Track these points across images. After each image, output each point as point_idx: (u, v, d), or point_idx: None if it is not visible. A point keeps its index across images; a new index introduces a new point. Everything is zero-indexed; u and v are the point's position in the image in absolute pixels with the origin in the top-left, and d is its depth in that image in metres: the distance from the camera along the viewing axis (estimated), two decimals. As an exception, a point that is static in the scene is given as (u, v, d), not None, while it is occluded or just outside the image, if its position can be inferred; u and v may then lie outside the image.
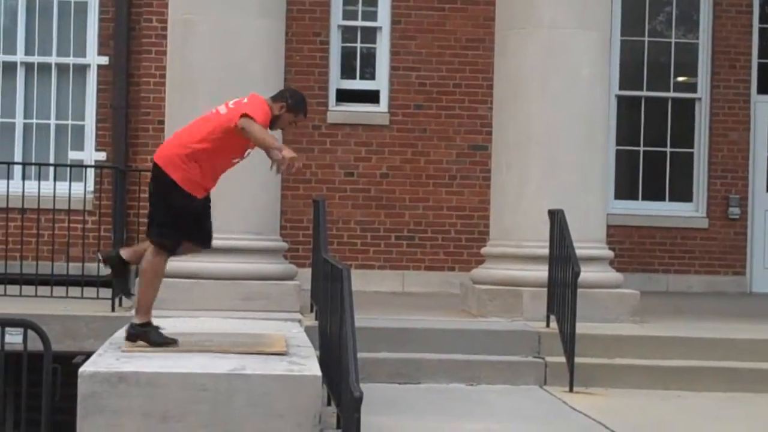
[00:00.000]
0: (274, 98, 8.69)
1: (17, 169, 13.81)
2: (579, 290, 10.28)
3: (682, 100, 16.55)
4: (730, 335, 11.20)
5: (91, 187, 14.40)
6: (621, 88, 16.33)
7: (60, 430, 9.26)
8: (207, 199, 8.64)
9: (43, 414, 8.72)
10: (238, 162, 8.67)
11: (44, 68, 15.07)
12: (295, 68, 14.95)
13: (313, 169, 15.36)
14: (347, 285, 7.67)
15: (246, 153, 8.60)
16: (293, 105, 8.64)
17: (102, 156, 14.88)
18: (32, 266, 11.90)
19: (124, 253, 8.75)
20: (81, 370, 7.51)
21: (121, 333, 9.41)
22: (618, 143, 16.27)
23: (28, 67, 15.10)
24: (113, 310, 11.20)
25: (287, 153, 8.10)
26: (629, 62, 16.39)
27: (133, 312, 10.87)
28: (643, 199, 16.45)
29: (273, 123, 8.63)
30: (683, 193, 16.53)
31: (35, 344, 8.90)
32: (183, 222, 8.49)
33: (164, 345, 8.47)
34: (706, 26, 16.44)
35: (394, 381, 10.24)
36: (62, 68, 15.09)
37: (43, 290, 11.59)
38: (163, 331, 8.59)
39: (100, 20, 15.04)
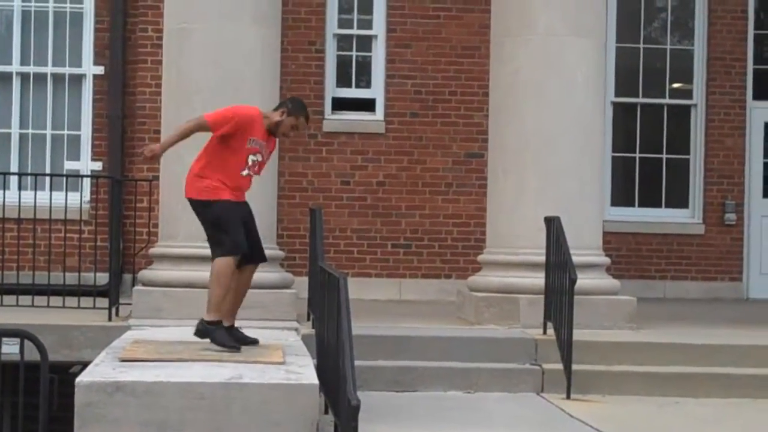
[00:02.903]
0: (276, 108, 9.29)
1: (13, 180, 13.80)
2: (576, 297, 10.28)
3: (678, 107, 16.56)
4: (728, 341, 11.20)
5: (87, 196, 14.42)
6: (617, 94, 16.34)
7: (57, 440, 9.25)
8: (238, 208, 8.97)
9: (41, 424, 8.71)
10: (255, 162, 9.03)
11: (40, 78, 15.06)
12: (290, 77, 14.95)
13: (309, 178, 15.36)
14: (344, 293, 7.68)
15: (254, 149, 8.98)
16: (293, 108, 9.12)
17: (98, 166, 14.86)
18: (29, 276, 11.89)
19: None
20: (78, 379, 7.52)
21: (118, 342, 9.41)
22: (614, 150, 16.28)
23: (24, 77, 15.09)
24: (110, 319, 11.20)
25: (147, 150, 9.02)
26: (625, 69, 16.40)
27: (129, 322, 10.93)
28: (640, 205, 16.45)
29: (275, 129, 9.14)
30: (679, 200, 16.54)
31: (32, 354, 8.90)
32: (221, 224, 8.87)
33: (226, 348, 8.70)
34: (701, 33, 16.45)
35: (391, 389, 10.22)
36: (58, 78, 15.08)
37: (40, 300, 11.58)
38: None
39: (96, 30, 15.02)
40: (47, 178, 12.79)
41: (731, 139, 16.41)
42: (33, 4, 15.08)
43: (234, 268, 8.89)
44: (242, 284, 9.10)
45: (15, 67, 15.07)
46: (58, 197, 12.02)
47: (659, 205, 16.50)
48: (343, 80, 15.64)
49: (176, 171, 10.45)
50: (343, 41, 15.67)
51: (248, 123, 8.96)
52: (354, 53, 15.69)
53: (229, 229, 8.88)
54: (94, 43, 15.04)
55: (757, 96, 16.54)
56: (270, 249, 11.66)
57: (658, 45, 16.56)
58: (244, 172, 8.99)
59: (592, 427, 8.89)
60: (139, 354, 8.56)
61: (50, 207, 11.86)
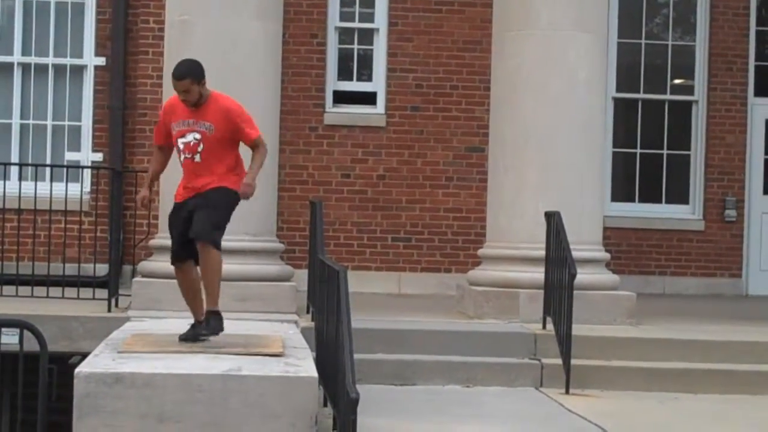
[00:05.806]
0: None
1: (14, 170, 13.79)
2: (575, 292, 10.29)
3: (679, 103, 16.55)
4: (727, 337, 11.21)
5: (87, 188, 14.42)
6: (618, 90, 16.33)
7: (56, 430, 9.26)
8: (176, 213, 8.80)
9: (39, 414, 8.72)
10: (187, 144, 8.65)
11: (41, 69, 15.05)
12: (292, 70, 14.94)
13: (309, 171, 15.36)
14: (344, 286, 7.68)
15: (181, 132, 8.64)
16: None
17: (99, 157, 14.86)
18: (28, 267, 11.89)
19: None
20: (77, 370, 7.52)
21: (118, 334, 9.42)
22: (615, 145, 16.27)
23: (25, 67, 15.08)
24: (109, 310, 11.21)
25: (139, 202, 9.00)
26: (626, 64, 16.40)
27: (128, 313, 10.93)
28: (640, 201, 16.45)
29: None
30: (680, 196, 16.53)
31: (31, 345, 8.90)
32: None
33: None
34: (703, 29, 16.44)
35: (390, 382, 10.23)
36: (59, 69, 15.07)
37: (40, 291, 11.58)
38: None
39: (97, 21, 15.02)
40: (48, 169, 12.78)
41: (732, 135, 16.40)
42: (35, -6, 15.10)
43: (180, 273, 8.78)
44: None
45: (16, 57, 15.06)
46: (59, 188, 12.02)
47: (660, 201, 16.49)
48: (344, 73, 15.63)
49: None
50: (345, 34, 15.66)
51: (168, 111, 8.77)
52: (355, 46, 15.68)
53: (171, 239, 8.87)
54: (96, 34, 15.04)
55: (758, 93, 16.52)
56: (270, 242, 11.70)
57: (659, 41, 16.55)
58: (181, 158, 8.73)
59: (591, 422, 8.89)
60: (138, 346, 8.56)
61: (50, 198, 11.86)
